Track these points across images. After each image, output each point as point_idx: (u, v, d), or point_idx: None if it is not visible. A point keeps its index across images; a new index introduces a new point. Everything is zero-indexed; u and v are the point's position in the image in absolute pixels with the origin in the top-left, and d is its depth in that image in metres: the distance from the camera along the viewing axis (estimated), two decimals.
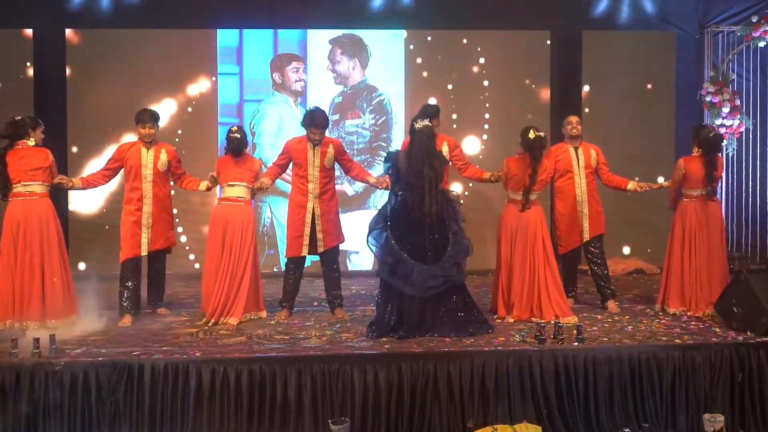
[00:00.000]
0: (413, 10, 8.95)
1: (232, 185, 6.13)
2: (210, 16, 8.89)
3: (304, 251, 6.24)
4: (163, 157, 6.18)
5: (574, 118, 6.66)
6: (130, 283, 6.07)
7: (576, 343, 5.08)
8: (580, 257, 6.83)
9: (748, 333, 5.30)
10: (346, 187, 8.94)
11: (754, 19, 8.76)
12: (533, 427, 4.66)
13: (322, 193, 6.25)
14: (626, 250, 9.02)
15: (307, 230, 6.19)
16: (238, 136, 6.18)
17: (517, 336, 5.38)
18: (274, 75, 8.91)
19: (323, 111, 6.33)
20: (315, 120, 6.15)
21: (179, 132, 8.76)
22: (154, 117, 6.20)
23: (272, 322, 5.99)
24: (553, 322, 5.43)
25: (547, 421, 4.83)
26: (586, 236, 6.51)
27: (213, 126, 8.85)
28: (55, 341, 4.89)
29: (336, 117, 8.93)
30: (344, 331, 5.64)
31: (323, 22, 8.92)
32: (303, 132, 6.28)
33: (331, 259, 6.40)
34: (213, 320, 5.85)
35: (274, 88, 8.91)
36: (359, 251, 8.93)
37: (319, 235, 6.25)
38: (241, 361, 4.79)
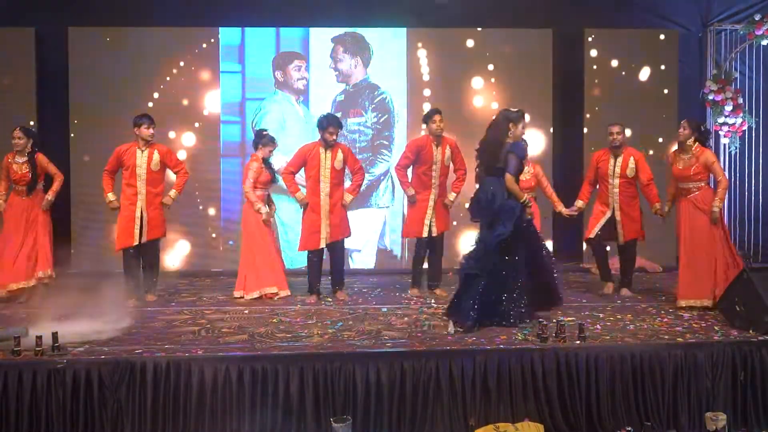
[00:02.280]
0: (415, 8, 8.96)
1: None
2: (212, 14, 8.90)
3: (322, 243, 6.96)
4: (156, 157, 6.88)
5: (615, 128, 6.97)
6: (131, 270, 6.82)
7: (578, 342, 5.08)
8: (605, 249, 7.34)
9: (751, 331, 5.30)
10: (347, 184, 8.94)
11: (757, 17, 8.74)
12: (535, 425, 4.67)
13: (333, 192, 6.95)
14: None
15: (323, 225, 6.92)
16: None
17: (519, 334, 5.39)
18: (276, 73, 8.91)
19: (335, 115, 7.39)
20: (331, 120, 6.94)
21: (181, 130, 8.78)
22: (151, 120, 6.89)
23: (274, 320, 6.01)
24: (555, 320, 5.44)
25: (549, 419, 4.84)
26: (621, 240, 7.03)
27: (215, 124, 8.86)
28: (58, 339, 4.90)
29: (338, 115, 8.92)
30: (346, 329, 5.65)
31: (325, 20, 8.92)
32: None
33: (341, 248, 7.19)
34: (258, 292, 6.94)
35: (276, 87, 8.92)
36: (361, 250, 8.94)
37: (329, 229, 6.96)
38: (243, 359, 4.80)
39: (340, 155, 6.93)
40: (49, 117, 8.78)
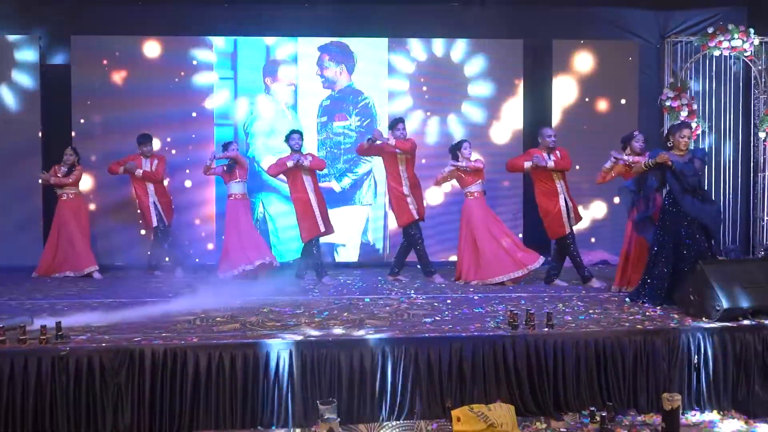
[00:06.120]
0: (396, 19, 8.97)
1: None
2: (208, 25, 8.89)
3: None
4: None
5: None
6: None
7: (546, 329, 5.11)
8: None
9: (704, 319, 5.36)
10: (333, 184, 8.93)
11: (710, 30, 8.85)
12: (506, 406, 4.69)
13: None
14: (592, 240, 9.09)
15: None
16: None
17: (492, 322, 5.41)
18: (266, 80, 8.88)
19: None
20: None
21: (177, 134, 8.74)
22: (149, 138, 8.10)
23: (265, 310, 5.99)
24: (525, 309, 5.47)
25: (519, 400, 4.86)
26: (573, 224, 7.23)
27: (209, 128, 8.82)
28: (61, 328, 4.86)
29: (324, 119, 8.93)
30: (332, 318, 5.65)
31: (312, 31, 8.92)
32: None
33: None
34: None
35: (266, 92, 8.88)
36: (346, 244, 8.93)
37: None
38: (235, 347, 4.78)
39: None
40: (51, 126, 8.73)
